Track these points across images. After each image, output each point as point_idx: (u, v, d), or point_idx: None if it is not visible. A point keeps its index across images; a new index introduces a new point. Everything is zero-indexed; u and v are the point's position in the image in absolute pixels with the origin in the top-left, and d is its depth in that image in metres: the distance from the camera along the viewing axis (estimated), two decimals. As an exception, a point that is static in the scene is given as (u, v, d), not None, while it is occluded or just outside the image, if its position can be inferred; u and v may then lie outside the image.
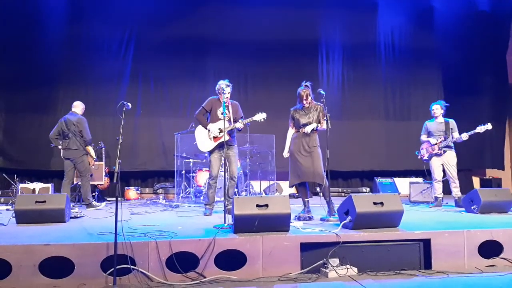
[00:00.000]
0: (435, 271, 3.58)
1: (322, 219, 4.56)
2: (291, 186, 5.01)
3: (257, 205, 3.71)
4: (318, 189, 5.10)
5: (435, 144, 6.26)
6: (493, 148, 9.59)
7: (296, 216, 4.65)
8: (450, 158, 6.21)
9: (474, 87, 9.54)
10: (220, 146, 5.22)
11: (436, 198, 6.25)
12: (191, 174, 7.63)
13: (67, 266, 3.24)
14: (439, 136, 6.30)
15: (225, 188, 4.90)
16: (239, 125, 5.11)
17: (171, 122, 8.46)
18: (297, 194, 8.52)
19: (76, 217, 4.97)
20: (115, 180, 3.29)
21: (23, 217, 4.40)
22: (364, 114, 9.23)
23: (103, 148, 7.57)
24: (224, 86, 5.12)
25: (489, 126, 6.11)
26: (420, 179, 7.60)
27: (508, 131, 9.85)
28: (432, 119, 6.54)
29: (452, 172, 6.20)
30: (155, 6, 8.68)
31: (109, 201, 7.43)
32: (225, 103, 5.10)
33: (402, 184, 8.31)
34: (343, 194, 8.77)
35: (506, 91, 9.67)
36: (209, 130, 5.24)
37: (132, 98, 8.09)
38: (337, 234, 3.63)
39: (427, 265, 3.70)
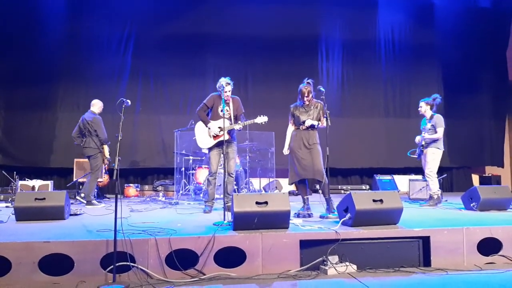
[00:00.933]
0: (434, 268, 3.59)
1: (321, 216, 4.56)
2: (291, 184, 5.01)
3: (257, 203, 3.71)
4: (317, 186, 5.10)
5: (418, 141, 6.20)
6: (493, 145, 9.60)
7: (295, 213, 4.66)
8: (426, 155, 6.07)
9: (474, 84, 9.55)
10: (219, 143, 5.21)
11: (430, 196, 6.04)
12: (190, 172, 7.63)
13: (67, 263, 3.24)
14: (424, 133, 6.21)
15: (224, 185, 4.92)
16: (238, 127, 5.11)
17: (170, 119, 8.45)
18: (296, 192, 8.53)
19: (76, 214, 4.97)
20: (114, 177, 3.28)
21: (22, 214, 4.39)
22: (364, 112, 9.23)
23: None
24: (224, 83, 5.09)
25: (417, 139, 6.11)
26: (419, 177, 7.60)
27: (507, 128, 9.86)
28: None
29: (426, 168, 6.07)
30: (154, 4, 8.67)
31: (108, 198, 7.43)
32: (225, 100, 5.11)
33: (402, 181, 8.33)
34: (342, 191, 8.78)
35: (506, 88, 9.68)
36: (209, 128, 5.23)
37: (131, 95, 8.09)
38: (336, 231, 3.63)
39: (426, 262, 3.70)
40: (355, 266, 3.52)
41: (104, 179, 7.47)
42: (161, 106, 8.68)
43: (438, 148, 6.00)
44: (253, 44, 8.86)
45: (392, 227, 3.89)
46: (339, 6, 9.21)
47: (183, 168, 7.68)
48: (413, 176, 7.55)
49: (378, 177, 8.23)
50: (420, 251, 3.74)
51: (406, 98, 9.42)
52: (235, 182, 7.20)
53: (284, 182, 8.98)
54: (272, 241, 3.52)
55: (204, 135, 5.30)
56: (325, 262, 3.47)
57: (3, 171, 7.44)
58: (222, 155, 5.18)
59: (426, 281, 3.28)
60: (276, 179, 8.51)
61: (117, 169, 3.30)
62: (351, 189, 8.40)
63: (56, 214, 4.45)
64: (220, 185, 6.55)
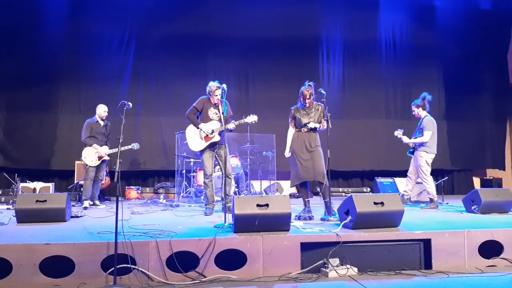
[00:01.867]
0: (435, 271, 3.58)
1: (322, 219, 4.56)
2: (292, 186, 4.99)
3: (258, 205, 3.71)
4: (318, 189, 5.09)
5: (409, 143, 6.22)
6: (494, 148, 9.59)
7: (296, 215, 4.65)
8: (416, 158, 6.08)
9: (475, 86, 9.54)
10: (211, 146, 5.30)
11: (431, 199, 5.98)
12: (191, 174, 7.63)
13: (68, 266, 3.24)
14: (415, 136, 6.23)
15: (224, 187, 4.96)
16: (232, 126, 5.16)
17: (171, 121, 8.45)
18: (297, 194, 8.51)
19: (77, 217, 4.97)
20: (115, 180, 3.29)
21: (23, 216, 4.40)
22: (364, 113, 9.22)
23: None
24: (214, 87, 5.22)
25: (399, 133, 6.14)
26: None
27: (509, 130, 9.84)
28: None
29: (419, 173, 6.06)
30: (155, 4, 8.68)
31: (109, 200, 7.43)
32: (215, 103, 5.20)
33: (403, 184, 8.28)
34: (343, 194, 8.76)
35: (507, 90, 9.66)
36: (200, 130, 5.27)
37: (132, 97, 8.10)
38: (337, 234, 3.63)
39: (428, 265, 3.70)
40: (356, 269, 3.51)
41: (105, 181, 7.47)
42: (162, 107, 8.68)
43: (426, 152, 5.99)
44: (254, 45, 8.86)
45: (393, 229, 3.89)
46: (340, 6, 9.20)
47: (184, 170, 7.68)
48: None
49: (379, 179, 8.21)
50: (421, 254, 3.73)
51: (407, 99, 9.37)
52: (235, 184, 7.23)
53: (285, 184, 8.97)
54: (273, 243, 3.52)
55: (195, 137, 5.34)
56: (326, 265, 3.47)
57: (4, 173, 7.44)
58: (215, 157, 5.35)
59: (427, 284, 3.27)
60: (277, 181, 8.50)
61: (118, 171, 3.30)
62: (352, 192, 8.40)
63: (57, 216, 4.46)
64: (220, 188, 6.56)
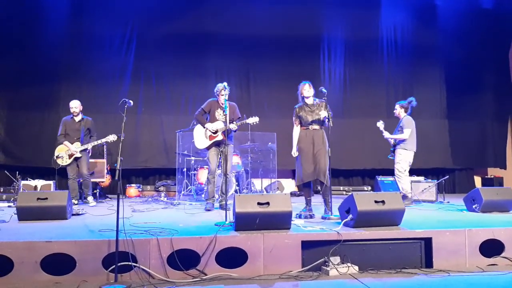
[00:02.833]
0: (436, 270, 3.58)
1: (323, 217, 4.56)
2: (298, 185, 4.97)
3: (258, 203, 3.71)
4: (318, 187, 5.08)
5: (389, 139, 6.41)
6: (495, 147, 9.58)
7: (297, 214, 4.65)
8: (395, 155, 6.31)
9: (476, 85, 9.53)
10: (217, 144, 5.65)
11: (404, 195, 6.03)
12: (192, 172, 7.63)
13: (69, 263, 3.25)
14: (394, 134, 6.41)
15: (225, 185, 5.01)
16: (234, 127, 5.43)
17: (172, 119, 8.45)
18: (298, 192, 8.52)
19: (78, 214, 4.98)
20: (116, 178, 3.29)
21: (25, 214, 4.40)
22: (366, 112, 9.20)
23: (104, 146, 7.58)
24: (221, 88, 5.47)
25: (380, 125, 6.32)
26: (421, 178, 7.58)
27: (510, 129, 9.83)
28: None
29: (395, 169, 6.27)
30: (156, 4, 8.67)
31: (110, 198, 7.44)
32: (226, 101, 5.21)
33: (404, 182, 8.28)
34: (344, 192, 8.76)
35: (508, 89, 9.64)
36: (206, 129, 5.64)
37: (133, 96, 8.09)
38: (338, 232, 3.63)
39: (428, 263, 3.70)
40: (357, 267, 3.51)
41: (106, 179, 7.48)
42: (163, 106, 8.67)
43: (405, 149, 6.18)
44: (255, 44, 8.85)
45: (394, 228, 3.89)
46: (341, 6, 9.17)
47: (185, 169, 7.68)
48: (415, 177, 7.53)
49: (380, 178, 8.20)
50: (422, 253, 3.74)
51: (407, 98, 9.39)
52: (236, 183, 7.24)
53: (285, 182, 8.98)
54: (274, 241, 3.52)
55: (201, 136, 5.74)
56: (326, 263, 3.47)
57: (5, 171, 7.44)
58: (220, 155, 5.65)
59: (428, 283, 3.27)
60: (278, 179, 8.50)
61: (119, 169, 3.31)
62: (353, 190, 8.39)
63: (58, 214, 4.46)
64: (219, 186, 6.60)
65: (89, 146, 6.35)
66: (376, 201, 3.91)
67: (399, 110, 6.43)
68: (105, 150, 7.57)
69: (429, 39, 9.46)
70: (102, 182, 7.44)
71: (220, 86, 5.54)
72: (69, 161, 6.26)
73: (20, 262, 3.20)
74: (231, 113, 5.50)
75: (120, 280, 3.21)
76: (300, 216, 4.62)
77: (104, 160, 7.45)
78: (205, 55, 8.82)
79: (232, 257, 3.47)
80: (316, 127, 4.83)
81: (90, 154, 6.68)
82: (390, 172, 8.72)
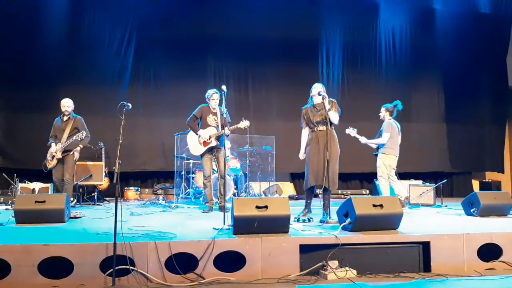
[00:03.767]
0: (434, 274, 3.58)
1: (321, 221, 4.55)
2: (306, 189, 4.81)
3: (257, 207, 3.70)
4: (318, 191, 5.07)
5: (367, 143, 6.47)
6: (493, 151, 9.60)
7: (295, 217, 4.64)
8: (377, 159, 6.38)
9: (474, 89, 9.56)
10: (210, 149, 5.78)
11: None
12: (190, 175, 7.62)
13: (66, 267, 3.23)
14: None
15: (219, 187, 5.07)
16: (227, 131, 5.43)
17: (171, 122, 8.44)
18: (296, 196, 8.52)
19: (76, 218, 4.96)
20: (114, 181, 3.29)
21: (22, 217, 4.39)
22: (364, 116, 9.19)
23: (102, 149, 7.57)
24: (212, 93, 5.72)
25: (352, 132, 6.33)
26: (419, 182, 7.59)
27: (508, 133, 9.86)
28: None
29: (377, 172, 6.33)
30: (155, 6, 8.67)
31: (108, 201, 7.42)
32: (221, 107, 5.37)
33: (402, 187, 8.28)
34: (342, 196, 8.76)
35: (506, 93, 9.68)
36: (199, 136, 5.73)
37: (132, 98, 8.09)
38: (336, 236, 3.62)
39: (426, 268, 3.69)
40: (355, 271, 3.51)
41: (104, 182, 7.46)
42: (162, 109, 8.67)
43: (385, 153, 6.27)
44: (253, 48, 8.86)
45: (392, 232, 3.89)
46: (340, 9, 9.21)
47: (183, 172, 7.68)
48: (413, 181, 7.54)
49: (378, 182, 8.20)
50: (420, 257, 3.73)
51: (406, 102, 9.33)
52: (234, 186, 7.24)
53: (284, 186, 8.98)
54: (272, 245, 3.52)
55: (195, 143, 5.83)
56: (325, 267, 3.46)
57: (3, 174, 7.42)
58: (213, 160, 5.82)
59: (426, 287, 3.27)
60: (276, 183, 8.50)
61: (117, 172, 3.30)
62: (351, 194, 8.39)
63: (56, 217, 4.44)
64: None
65: (63, 145, 5.93)
66: (374, 205, 3.90)
67: (384, 114, 6.46)
68: (103, 153, 7.56)
69: (427, 43, 9.50)
70: (100, 185, 7.42)
71: (211, 91, 5.74)
72: (52, 163, 6.03)
73: (17, 265, 3.19)
74: (222, 119, 5.60)
75: (118, 284, 3.20)
76: (298, 220, 4.62)
77: (102, 163, 7.43)
78: (204, 58, 8.84)
79: (230, 261, 3.46)
80: (322, 128, 4.69)
81: (77, 158, 6.25)
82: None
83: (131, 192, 8.03)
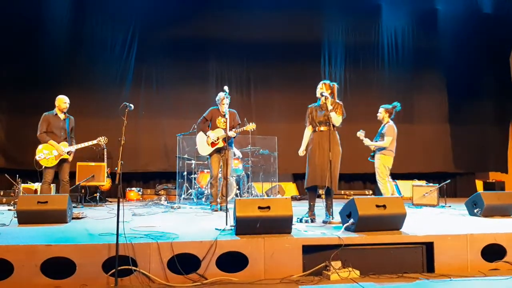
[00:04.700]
0: (437, 275, 3.56)
1: (324, 222, 4.54)
2: (307, 188, 4.80)
3: (259, 207, 3.70)
4: (320, 191, 5.05)
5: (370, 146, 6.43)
6: (497, 151, 9.56)
7: (298, 218, 4.63)
8: (375, 161, 6.35)
9: (477, 90, 9.53)
10: (218, 150, 5.98)
11: None
12: (193, 176, 7.62)
13: (69, 267, 3.23)
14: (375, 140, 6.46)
15: (225, 188, 5.09)
16: (233, 134, 5.83)
17: (173, 123, 8.45)
18: (299, 196, 8.51)
19: (78, 218, 4.96)
20: (117, 181, 3.29)
21: (25, 218, 4.40)
22: (366, 116, 9.16)
23: (105, 149, 7.57)
24: (222, 96, 5.81)
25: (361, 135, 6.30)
26: (423, 182, 7.57)
27: (511, 134, 9.81)
28: None
29: (376, 174, 6.30)
30: (157, 8, 8.69)
31: (110, 202, 7.43)
32: (229, 109, 5.64)
33: (405, 187, 8.28)
34: (345, 196, 8.75)
35: (509, 93, 9.64)
36: (208, 137, 5.95)
37: (134, 99, 8.05)
38: (339, 237, 3.61)
39: (430, 268, 3.68)
40: (358, 272, 3.49)
41: (107, 183, 7.46)
42: (164, 110, 8.67)
43: (384, 155, 6.29)
44: (256, 49, 8.85)
45: (395, 232, 3.88)
46: (342, 11, 9.20)
47: (185, 172, 7.68)
48: (416, 182, 7.51)
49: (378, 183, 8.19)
50: (424, 257, 3.72)
51: (409, 103, 9.35)
52: (237, 186, 7.24)
53: (286, 186, 8.96)
54: (275, 246, 3.51)
55: (203, 143, 6.05)
56: (327, 268, 3.45)
57: (5, 174, 7.43)
58: (221, 161, 5.96)
59: (429, 287, 3.25)
60: (279, 183, 8.49)
61: (119, 173, 3.30)
62: (354, 195, 8.38)
63: (59, 217, 4.45)
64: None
65: (79, 146, 5.85)
66: (377, 206, 3.89)
67: (383, 114, 6.42)
68: (105, 153, 7.56)
69: (429, 44, 9.47)
70: (102, 185, 7.43)
71: (221, 95, 5.86)
72: (55, 162, 5.70)
73: (20, 265, 3.19)
74: (232, 120, 5.81)
75: (120, 284, 3.19)
76: (301, 220, 4.61)
77: (105, 164, 7.44)
78: (206, 60, 8.85)
79: (233, 262, 3.45)
80: (324, 128, 4.72)
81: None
82: (391, 176, 8.72)
83: (133, 193, 8.03)
